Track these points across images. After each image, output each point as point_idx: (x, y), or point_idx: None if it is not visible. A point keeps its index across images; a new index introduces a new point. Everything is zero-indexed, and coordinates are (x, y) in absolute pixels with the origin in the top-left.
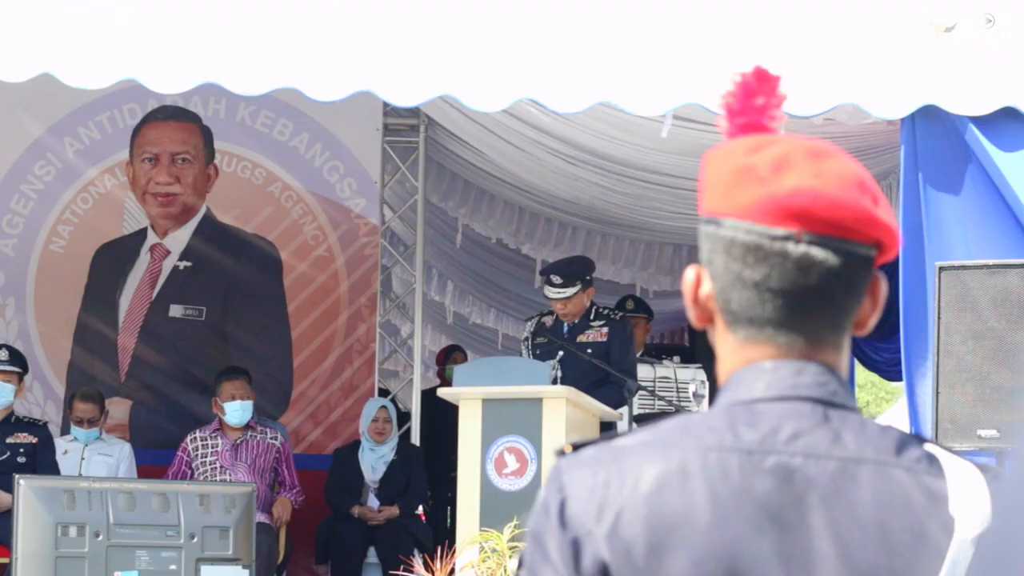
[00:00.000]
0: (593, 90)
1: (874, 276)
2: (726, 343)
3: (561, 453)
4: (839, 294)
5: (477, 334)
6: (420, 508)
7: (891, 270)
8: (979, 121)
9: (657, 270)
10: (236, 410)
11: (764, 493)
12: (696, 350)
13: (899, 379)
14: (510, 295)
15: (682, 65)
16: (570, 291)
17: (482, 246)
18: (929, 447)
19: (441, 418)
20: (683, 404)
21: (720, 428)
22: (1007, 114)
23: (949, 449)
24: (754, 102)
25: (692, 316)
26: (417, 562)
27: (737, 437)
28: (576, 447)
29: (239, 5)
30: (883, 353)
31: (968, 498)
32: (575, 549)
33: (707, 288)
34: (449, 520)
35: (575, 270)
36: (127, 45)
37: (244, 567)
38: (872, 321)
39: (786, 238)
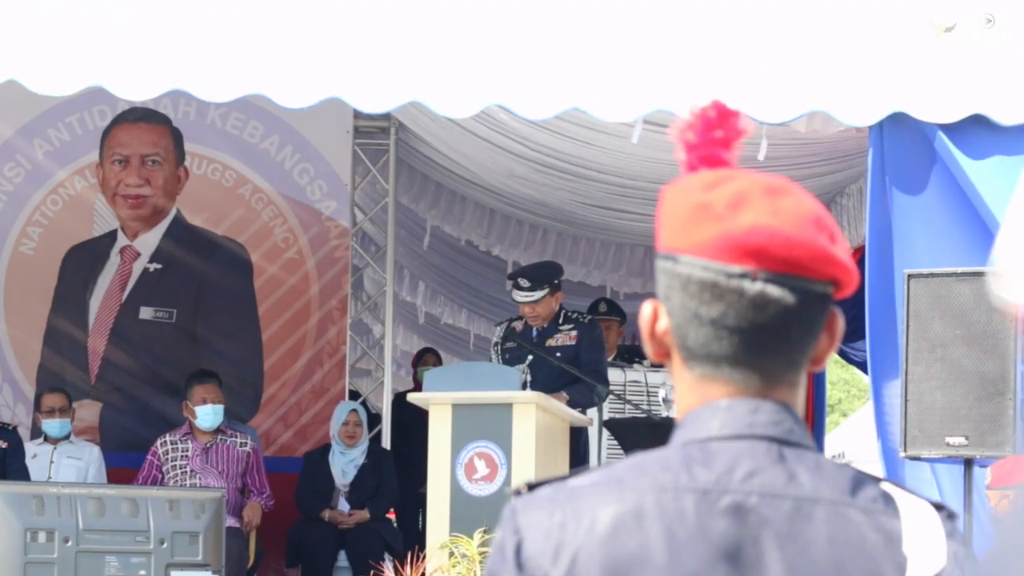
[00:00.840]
0: (562, 96)
1: (831, 312)
2: (683, 379)
3: (516, 493)
4: (795, 331)
5: (449, 334)
6: (391, 511)
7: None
8: (948, 128)
9: (627, 272)
10: (207, 414)
11: (720, 533)
12: None
13: None
14: (481, 296)
15: (651, 71)
16: (538, 294)
17: (452, 247)
18: (885, 486)
19: (412, 421)
20: (653, 408)
21: (675, 467)
22: (976, 121)
23: (904, 488)
24: (713, 135)
25: (649, 351)
26: (387, 566)
27: (692, 477)
28: (531, 487)
29: (207, 12)
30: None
31: (922, 538)
32: None
33: (664, 323)
34: (421, 523)
35: (543, 274)
36: (95, 51)
37: (214, 572)
38: (828, 357)
39: (742, 276)
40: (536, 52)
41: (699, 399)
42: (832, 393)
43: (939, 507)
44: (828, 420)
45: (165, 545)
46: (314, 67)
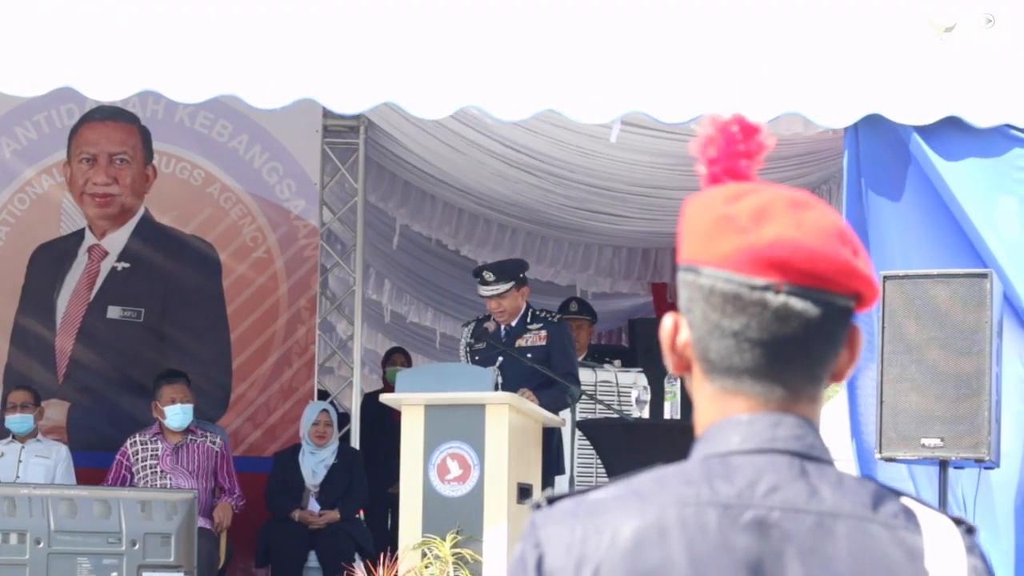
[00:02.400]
0: (538, 98)
1: (852, 327)
2: (703, 392)
3: (536, 506)
4: (817, 345)
5: (415, 333)
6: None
7: None
8: (923, 130)
9: (596, 272)
10: (176, 413)
11: (742, 548)
12: (637, 353)
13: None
14: (449, 295)
15: (627, 72)
16: (502, 287)
17: (421, 246)
18: (906, 501)
19: (381, 421)
20: (624, 408)
21: (697, 481)
22: (951, 123)
23: (924, 503)
24: (735, 149)
25: (669, 363)
26: (358, 566)
27: (714, 491)
28: (551, 500)
29: (178, 12)
30: None
31: (943, 553)
32: None
33: (684, 336)
34: (390, 524)
35: (508, 267)
36: (65, 51)
37: (186, 573)
38: (849, 372)
39: (765, 288)
40: (511, 53)
41: (719, 413)
42: None
43: (958, 521)
44: None
45: (137, 546)
46: (286, 68)
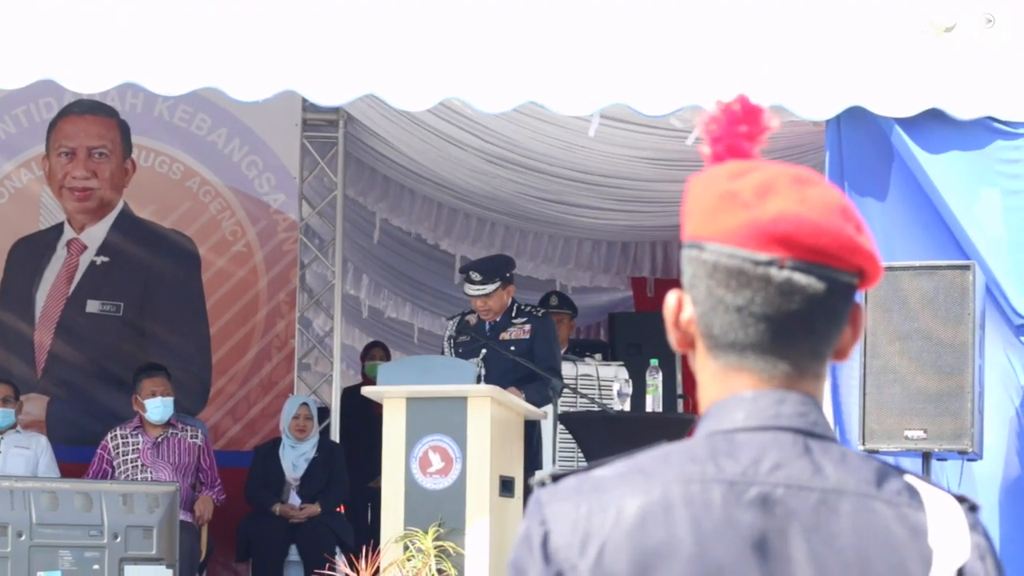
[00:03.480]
0: (520, 90)
1: (855, 304)
2: (706, 369)
3: (541, 484)
4: (821, 321)
5: (393, 328)
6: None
7: None
8: (905, 123)
9: (576, 266)
10: (157, 407)
11: (747, 525)
12: (616, 347)
13: None
14: (427, 290)
15: (609, 65)
16: (489, 288)
17: (400, 241)
18: (909, 478)
19: (360, 415)
20: (605, 402)
21: (702, 458)
22: (933, 116)
23: (927, 480)
24: (737, 129)
25: (673, 340)
26: (340, 560)
27: (719, 468)
28: (555, 478)
29: (158, 4)
30: None
31: (947, 531)
32: None
33: (688, 312)
34: (370, 517)
35: (494, 267)
36: (44, 44)
37: (168, 567)
38: (851, 350)
39: (769, 263)
40: (493, 46)
41: (723, 390)
42: None
43: (961, 499)
44: None
45: (119, 539)
46: (268, 60)
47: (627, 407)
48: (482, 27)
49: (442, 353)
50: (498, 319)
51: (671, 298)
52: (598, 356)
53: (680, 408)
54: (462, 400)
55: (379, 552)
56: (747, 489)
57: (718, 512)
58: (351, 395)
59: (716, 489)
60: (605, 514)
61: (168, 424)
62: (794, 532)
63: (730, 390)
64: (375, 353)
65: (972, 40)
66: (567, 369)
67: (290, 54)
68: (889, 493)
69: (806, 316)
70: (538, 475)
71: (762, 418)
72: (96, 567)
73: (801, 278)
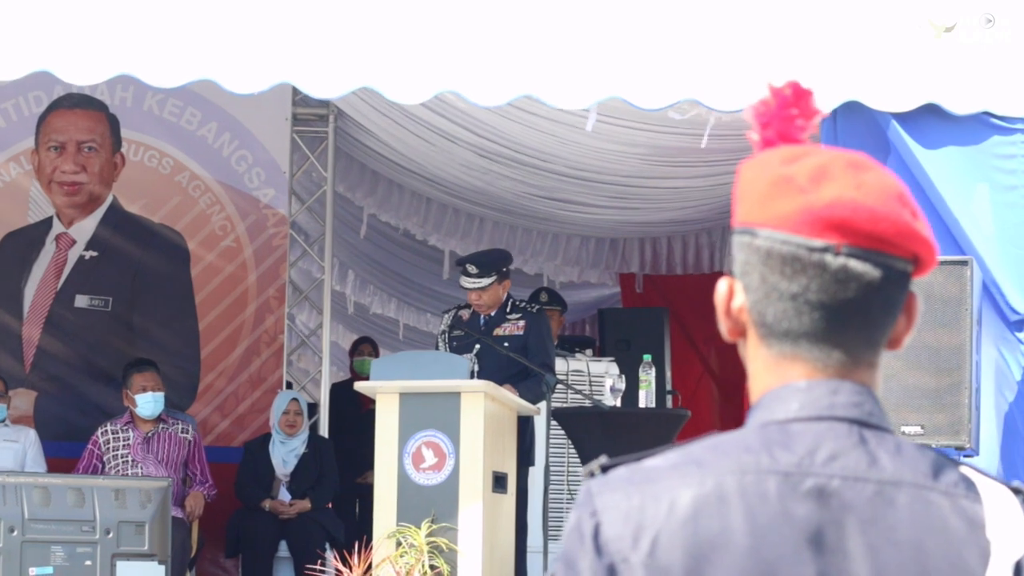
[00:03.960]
0: (515, 83)
1: (910, 293)
2: (758, 358)
3: (591, 474)
4: (876, 309)
5: (378, 325)
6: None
7: None
8: (901, 117)
9: (563, 261)
10: (147, 402)
11: (802, 517)
12: (606, 342)
13: None
14: (414, 285)
15: (605, 58)
16: (485, 281)
17: (388, 237)
18: (965, 469)
19: (347, 411)
20: (597, 397)
21: (756, 449)
22: (929, 111)
23: (982, 471)
24: (788, 113)
25: (724, 329)
26: (329, 556)
27: (774, 459)
28: (605, 468)
29: None
30: None
31: (1004, 523)
32: (611, 575)
33: (740, 300)
34: (358, 512)
35: (492, 260)
36: (40, 35)
37: (160, 562)
38: (906, 339)
39: (824, 250)
40: (488, 39)
41: (776, 379)
42: None
43: (1017, 491)
44: None
45: (111, 535)
46: (263, 53)
47: (619, 403)
48: (478, 20)
49: (435, 347)
50: (492, 314)
51: (722, 285)
52: (589, 352)
53: (669, 404)
54: (455, 395)
55: (371, 548)
56: (802, 480)
57: (773, 504)
58: (338, 391)
59: (771, 480)
60: (658, 505)
61: (159, 419)
62: (850, 524)
63: (783, 379)
64: (364, 349)
65: (971, 39)
66: (558, 365)
67: (285, 47)
68: (946, 484)
69: (861, 304)
70: (588, 465)
71: (817, 408)
72: (88, 563)
73: (857, 265)
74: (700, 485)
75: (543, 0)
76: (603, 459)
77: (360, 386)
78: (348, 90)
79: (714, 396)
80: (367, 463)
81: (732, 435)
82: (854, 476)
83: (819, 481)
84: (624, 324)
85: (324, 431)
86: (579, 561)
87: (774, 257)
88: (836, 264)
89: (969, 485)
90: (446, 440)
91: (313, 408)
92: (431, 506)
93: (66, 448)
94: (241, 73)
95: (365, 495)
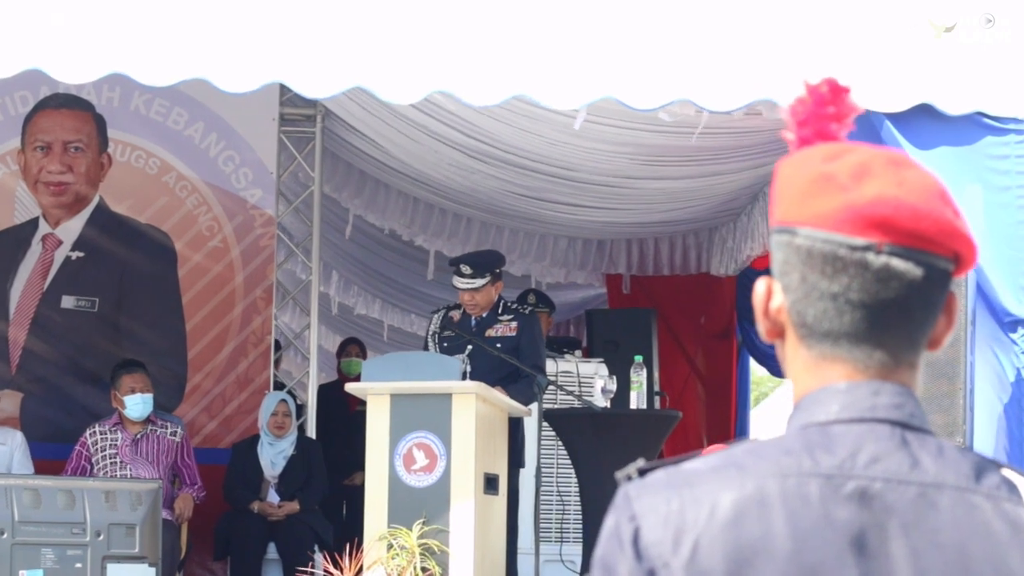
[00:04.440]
0: (508, 83)
1: (949, 292)
2: (798, 358)
3: (627, 478)
4: (918, 309)
5: (362, 326)
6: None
7: None
8: (895, 118)
9: (551, 262)
10: (136, 403)
11: (844, 520)
12: (594, 343)
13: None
14: (398, 286)
15: (598, 59)
16: (479, 282)
17: (373, 238)
18: (1007, 472)
19: (335, 413)
20: (586, 398)
21: (797, 452)
22: (923, 111)
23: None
24: (825, 111)
25: (762, 330)
26: (318, 558)
27: (815, 461)
28: (642, 472)
29: None
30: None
31: None
32: None
33: (779, 300)
34: (345, 513)
35: (486, 261)
36: (31, 33)
37: (150, 565)
38: (946, 339)
39: (866, 248)
40: (481, 39)
41: (816, 381)
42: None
43: None
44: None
45: (101, 537)
46: (255, 52)
47: (608, 404)
48: (471, 20)
49: (425, 348)
50: (484, 315)
51: (760, 286)
52: (578, 353)
53: (657, 405)
54: (447, 397)
55: (362, 550)
56: (844, 483)
57: (815, 507)
58: (325, 392)
59: (813, 483)
60: (698, 509)
61: (147, 421)
62: (893, 528)
63: (823, 381)
64: (351, 350)
65: (970, 39)
66: (548, 366)
67: (277, 46)
68: (988, 487)
69: (903, 303)
70: (624, 469)
71: (858, 409)
72: (79, 565)
73: (899, 263)
74: (741, 488)
75: (535, 0)
76: (640, 462)
77: (351, 387)
78: (340, 90)
79: (700, 397)
80: (354, 464)
81: (773, 438)
82: (896, 479)
83: (861, 484)
84: (612, 325)
85: (312, 432)
86: (618, 566)
87: (815, 256)
88: (878, 263)
89: (1011, 488)
90: (437, 441)
91: (300, 410)
92: (422, 508)
93: (53, 450)
94: (233, 72)
95: (352, 496)
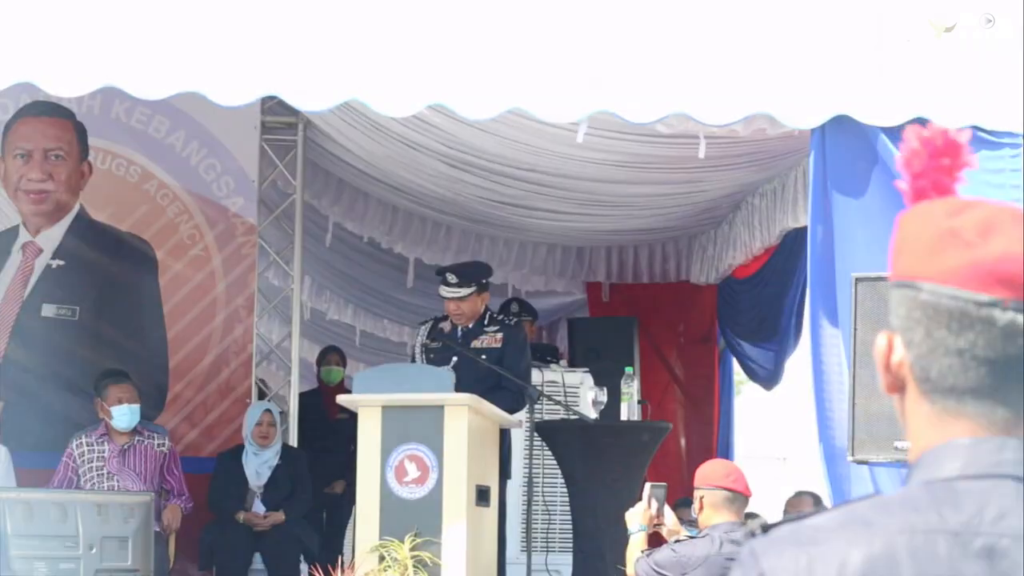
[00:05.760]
0: (504, 96)
1: None
2: (919, 413)
3: (751, 534)
4: None
5: (333, 331)
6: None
7: (800, 280)
8: (890, 131)
9: (530, 271)
10: (124, 414)
11: None
12: (575, 352)
13: (775, 385)
14: (374, 293)
15: (595, 72)
16: (464, 291)
17: (352, 246)
18: None
19: (316, 421)
20: (573, 408)
21: (924, 508)
22: (918, 124)
23: None
24: (940, 163)
25: (883, 383)
26: (303, 569)
27: (943, 518)
28: (765, 528)
29: (139, 8)
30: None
31: None
32: None
33: (899, 354)
34: (325, 520)
35: (472, 272)
36: (23, 47)
37: None
38: None
39: (992, 304)
40: (477, 52)
41: (939, 436)
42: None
43: None
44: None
45: (94, 550)
46: (249, 65)
47: (598, 415)
48: (467, 33)
49: (412, 359)
50: (470, 326)
51: (881, 340)
52: (563, 362)
53: (639, 414)
54: (439, 408)
55: (353, 562)
56: (972, 540)
57: (944, 564)
58: (304, 401)
59: (941, 540)
60: (827, 566)
61: (134, 431)
62: None
63: (946, 436)
64: (331, 359)
65: (969, 42)
66: (533, 376)
67: (271, 59)
68: None
69: None
70: (748, 525)
71: (982, 466)
72: None
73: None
74: (869, 545)
75: (532, 13)
76: (763, 519)
77: (342, 399)
78: (335, 103)
79: (680, 405)
80: (335, 473)
81: (898, 494)
82: (1022, 535)
83: (988, 540)
84: (593, 334)
85: (293, 441)
86: None
87: (941, 312)
88: (1004, 319)
89: None
90: (429, 453)
91: (282, 418)
92: (414, 520)
93: (34, 459)
94: (227, 86)
95: (332, 505)
